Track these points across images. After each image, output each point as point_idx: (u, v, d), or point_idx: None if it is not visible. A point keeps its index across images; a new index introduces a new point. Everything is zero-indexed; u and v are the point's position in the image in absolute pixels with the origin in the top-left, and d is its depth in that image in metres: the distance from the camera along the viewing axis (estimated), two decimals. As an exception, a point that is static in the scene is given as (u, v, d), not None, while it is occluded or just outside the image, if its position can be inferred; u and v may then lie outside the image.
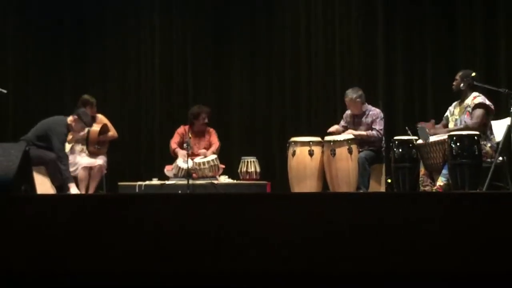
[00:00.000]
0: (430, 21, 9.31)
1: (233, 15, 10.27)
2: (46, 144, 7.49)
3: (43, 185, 7.38)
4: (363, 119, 7.93)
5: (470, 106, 7.10)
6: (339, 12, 9.78)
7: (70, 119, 7.71)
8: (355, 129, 7.89)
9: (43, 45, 10.47)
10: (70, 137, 8.00)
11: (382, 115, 7.88)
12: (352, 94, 7.92)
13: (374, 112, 7.94)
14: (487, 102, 7.09)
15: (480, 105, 7.04)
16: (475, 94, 7.18)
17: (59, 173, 7.43)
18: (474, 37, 9.08)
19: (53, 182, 7.36)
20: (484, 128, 7.02)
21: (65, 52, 10.56)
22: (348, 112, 8.11)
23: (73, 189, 7.52)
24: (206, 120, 8.72)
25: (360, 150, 7.73)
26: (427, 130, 7.07)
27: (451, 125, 7.26)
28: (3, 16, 10.39)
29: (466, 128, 6.94)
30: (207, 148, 8.67)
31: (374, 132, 7.78)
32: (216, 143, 8.71)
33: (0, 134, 9.91)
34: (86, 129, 8.14)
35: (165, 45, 10.50)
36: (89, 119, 7.85)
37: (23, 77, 10.39)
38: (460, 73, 7.30)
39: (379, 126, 7.80)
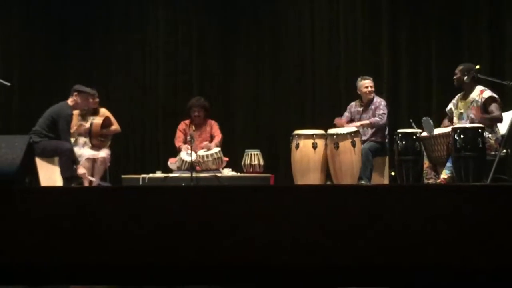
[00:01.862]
0: (435, 14, 9.29)
1: (238, 8, 10.27)
2: (57, 135, 7.54)
3: (52, 175, 7.41)
4: (369, 107, 8.02)
5: (477, 101, 7.07)
6: (344, 6, 9.77)
7: (70, 100, 7.77)
8: (361, 119, 7.98)
9: (47, 39, 10.48)
10: (73, 129, 8.03)
11: (384, 102, 8.05)
12: (370, 80, 8.13)
13: (378, 99, 8.11)
14: (495, 95, 7.08)
15: (492, 99, 7.03)
16: (480, 88, 7.15)
17: (71, 165, 7.49)
18: (479, 30, 9.06)
19: (62, 173, 7.39)
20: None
21: (70, 44, 10.57)
22: (353, 103, 8.20)
23: (81, 170, 7.64)
24: (197, 114, 8.71)
25: (364, 141, 7.77)
26: (431, 122, 7.06)
27: (455, 119, 7.24)
28: (8, 11, 10.39)
29: (496, 119, 6.94)
30: (209, 140, 8.67)
31: (376, 118, 7.89)
32: (218, 135, 8.70)
33: (5, 127, 9.92)
34: (90, 122, 8.18)
35: (170, 37, 10.51)
36: (88, 89, 7.93)
37: (28, 71, 10.40)
38: (460, 67, 7.26)
39: (382, 111, 7.91)
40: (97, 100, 8.34)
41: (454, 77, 7.27)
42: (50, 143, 7.47)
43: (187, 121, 8.79)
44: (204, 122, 8.80)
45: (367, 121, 7.92)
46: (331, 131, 7.78)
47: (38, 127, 7.58)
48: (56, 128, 7.54)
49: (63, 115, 7.59)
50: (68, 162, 7.46)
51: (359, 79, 8.19)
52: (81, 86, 7.88)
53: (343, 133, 7.65)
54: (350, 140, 7.60)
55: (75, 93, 7.77)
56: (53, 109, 7.71)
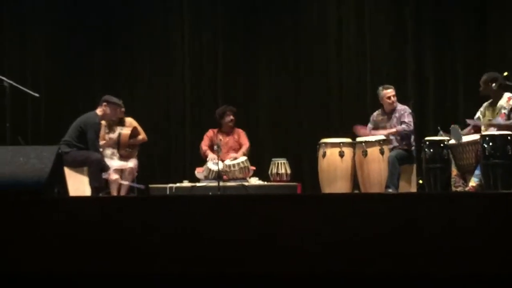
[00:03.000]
0: (461, 20, 9.27)
1: (262, 16, 10.28)
2: (86, 144, 7.62)
3: (81, 185, 7.47)
4: (393, 115, 7.96)
5: (505, 108, 7.02)
6: (370, 13, 9.76)
7: (99, 110, 7.85)
8: (385, 127, 7.93)
9: (73, 49, 10.56)
10: (102, 142, 8.10)
11: (409, 110, 7.96)
12: (393, 89, 7.98)
13: (401, 107, 8.03)
14: None
15: None
16: (508, 94, 7.10)
17: (100, 175, 7.57)
18: (505, 36, 9.02)
19: (91, 182, 7.45)
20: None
21: (96, 56, 10.63)
22: (375, 113, 8.15)
23: (112, 175, 7.84)
24: (231, 118, 8.74)
25: (391, 149, 7.73)
26: (459, 130, 7.02)
27: (483, 127, 7.18)
28: (34, 20, 10.51)
29: (506, 126, 6.86)
30: (236, 149, 8.69)
31: (403, 125, 7.84)
32: (246, 144, 8.72)
33: (33, 137, 10.03)
34: (117, 132, 8.23)
35: (194, 48, 10.53)
36: (116, 99, 8.01)
37: (55, 82, 10.49)
38: (484, 78, 7.20)
39: (408, 119, 7.85)
40: (123, 110, 8.38)
41: (480, 89, 7.22)
42: (79, 153, 7.55)
43: (215, 130, 8.83)
44: (232, 130, 8.83)
45: (394, 129, 7.86)
46: (359, 139, 7.78)
47: (68, 137, 7.67)
48: (85, 138, 7.61)
49: (92, 125, 7.67)
50: (97, 172, 7.53)
51: (380, 88, 8.09)
52: (110, 97, 7.95)
53: (372, 141, 7.65)
54: (379, 148, 7.60)
55: (104, 104, 7.85)
56: (81, 119, 7.79)
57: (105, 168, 7.68)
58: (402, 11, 9.60)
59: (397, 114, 7.97)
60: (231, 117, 8.75)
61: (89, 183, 7.48)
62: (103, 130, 8.17)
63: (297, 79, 10.11)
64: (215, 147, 8.27)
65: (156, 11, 10.62)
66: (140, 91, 10.55)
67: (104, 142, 8.14)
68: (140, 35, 10.63)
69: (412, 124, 7.86)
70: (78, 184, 7.42)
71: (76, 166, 7.53)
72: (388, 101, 7.97)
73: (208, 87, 10.46)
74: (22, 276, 4.07)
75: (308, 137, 9.67)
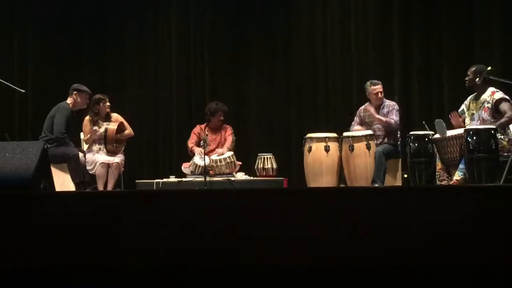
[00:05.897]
0: (446, 14, 9.29)
1: (251, 12, 10.30)
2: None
3: (65, 181, 7.48)
4: (380, 110, 7.98)
5: (488, 102, 7.07)
6: (355, 8, 9.79)
7: (69, 99, 7.92)
8: (372, 122, 7.96)
9: (61, 45, 10.55)
10: (87, 136, 8.10)
11: (397, 107, 7.96)
12: (380, 85, 8.00)
13: (389, 103, 8.04)
14: (507, 97, 7.07)
15: (503, 100, 7.02)
16: (492, 89, 7.15)
17: (80, 170, 7.56)
18: (491, 30, 9.05)
19: (73, 179, 7.46)
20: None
21: (84, 52, 10.64)
22: (362, 107, 8.17)
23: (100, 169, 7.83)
24: (222, 118, 8.76)
25: (377, 143, 7.77)
26: (444, 124, 7.06)
27: (467, 120, 7.23)
28: (24, 15, 10.49)
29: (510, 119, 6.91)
30: (223, 144, 8.70)
31: (392, 120, 7.83)
32: (229, 139, 8.71)
33: (20, 133, 10.01)
34: (104, 128, 8.21)
35: (183, 43, 10.56)
36: (85, 88, 8.06)
37: (42, 77, 10.48)
38: (472, 69, 7.25)
39: (395, 117, 7.87)
40: (108, 104, 8.37)
41: (466, 79, 7.27)
42: (58, 150, 7.56)
43: (203, 125, 8.83)
44: (220, 127, 8.83)
45: (384, 118, 7.88)
46: (346, 133, 7.80)
47: (43, 133, 7.72)
48: None
49: (61, 110, 7.75)
50: (76, 168, 7.54)
51: (368, 83, 8.11)
52: (80, 85, 8.01)
53: (358, 136, 7.67)
54: (365, 143, 7.62)
55: (74, 92, 7.91)
56: (52, 110, 7.88)
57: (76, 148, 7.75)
58: (387, 7, 9.62)
59: (385, 110, 7.98)
60: (222, 117, 8.77)
61: (71, 179, 7.49)
62: (88, 126, 8.16)
63: (284, 75, 10.14)
64: (202, 142, 8.29)
65: (145, 7, 10.63)
66: (128, 87, 10.56)
67: (88, 137, 8.13)
68: (128, 31, 10.65)
69: (399, 121, 7.89)
70: (62, 180, 7.43)
71: (56, 162, 7.54)
72: (375, 96, 8.00)
73: (196, 83, 10.48)
74: (8, 270, 4.08)
75: (295, 132, 9.72)
